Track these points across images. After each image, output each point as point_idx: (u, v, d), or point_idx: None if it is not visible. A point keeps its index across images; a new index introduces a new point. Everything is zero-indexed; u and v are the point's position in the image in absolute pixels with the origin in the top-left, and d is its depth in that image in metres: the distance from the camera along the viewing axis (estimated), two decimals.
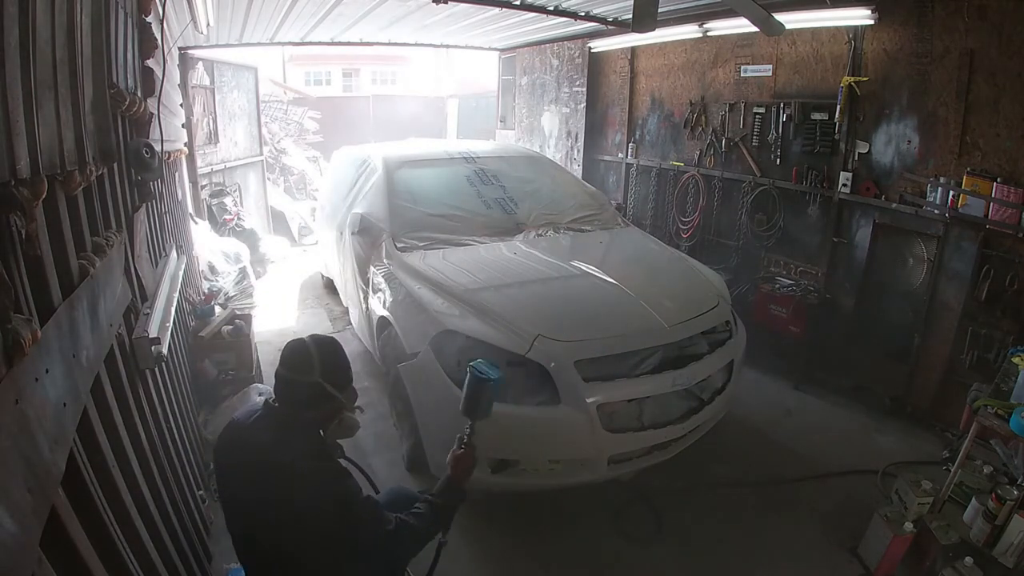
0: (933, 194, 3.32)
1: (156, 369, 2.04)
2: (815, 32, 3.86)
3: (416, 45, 7.16)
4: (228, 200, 6.50)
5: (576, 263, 3.10)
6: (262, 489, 1.41)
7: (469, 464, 1.74)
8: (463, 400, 1.76)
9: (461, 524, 2.52)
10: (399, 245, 3.30)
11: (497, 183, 3.92)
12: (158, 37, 2.74)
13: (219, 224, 6.11)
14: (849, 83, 3.64)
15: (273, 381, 1.56)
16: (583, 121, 6.25)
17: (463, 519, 2.54)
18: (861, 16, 3.50)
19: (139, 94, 2.44)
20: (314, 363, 1.50)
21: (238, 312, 3.90)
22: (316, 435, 1.54)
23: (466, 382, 1.76)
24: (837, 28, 3.72)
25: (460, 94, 14.42)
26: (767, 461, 3.11)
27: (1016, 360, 2.44)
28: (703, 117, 4.84)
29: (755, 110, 4.37)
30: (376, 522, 1.50)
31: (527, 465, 2.48)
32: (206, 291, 4.40)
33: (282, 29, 5.41)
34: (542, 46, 6.76)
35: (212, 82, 6.43)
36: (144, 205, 2.39)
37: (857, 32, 3.63)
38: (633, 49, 5.49)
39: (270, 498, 1.40)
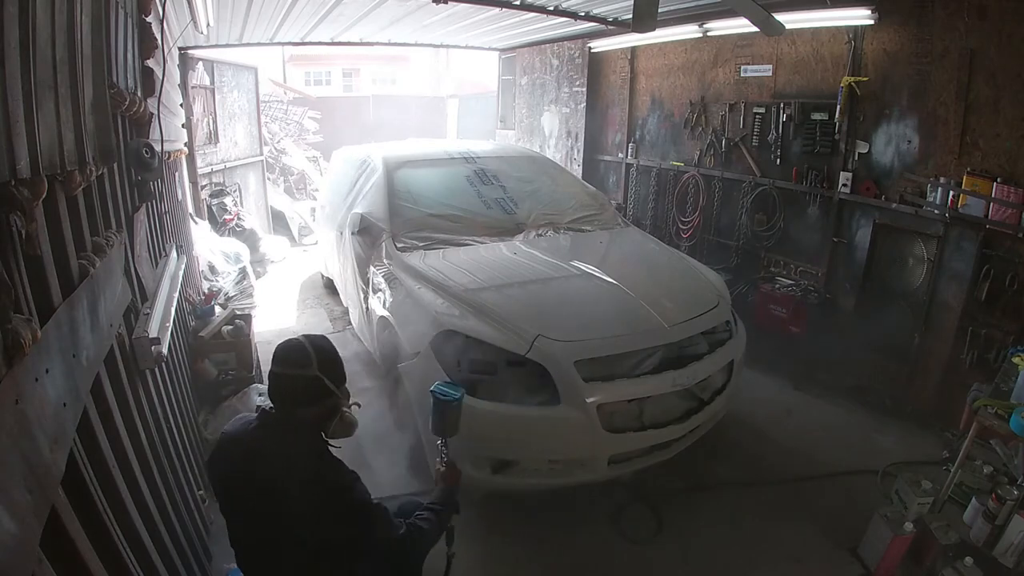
0: (933, 194, 3.32)
1: (156, 369, 2.03)
2: (815, 32, 3.87)
3: (416, 45, 7.16)
4: (228, 200, 6.50)
5: (576, 263, 3.09)
6: (274, 497, 1.39)
7: (456, 477, 1.85)
8: (431, 421, 1.88)
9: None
10: (399, 245, 3.30)
11: (497, 183, 3.92)
12: (158, 37, 2.74)
13: (219, 224, 6.11)
14: (849, 83, 3.64)
15: (267, 385, 1.53)
16: (583, 121, 6.25)
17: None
18: (861, 16, 3.50)
19: (139, 94, 2.44)
20: (311, 357, 1.49)
21: (238, 312, 3.89)
22: (319, 436, 1.53)
23: (431, 406, 1.86)
24: (837, 28, 3.72)
25: (460, 94, 14.43)
26: (767, 461, 3.11)
27: (1016, 360, 2.44)
28: (703, 117, 4.84)
29: (755, 110, 4.37)
30: (389, 526, 1.53)
31: (527, 465, 2.48)
32: (206, 291, 4.40)
33: (282, 29, 5.41)
34: (542, 46, 6.76)
35: (212, 82, 6.43)
36: (144, 205, 2.39)
37: (857, 32, 3.63)
38: (633, 49, 5.50)
39: (285, 506, 1.39)
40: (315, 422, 1.51)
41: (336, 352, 1.59)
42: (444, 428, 1.86)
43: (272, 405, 1.52)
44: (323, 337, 1.60)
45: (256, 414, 1.53)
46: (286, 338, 1.57)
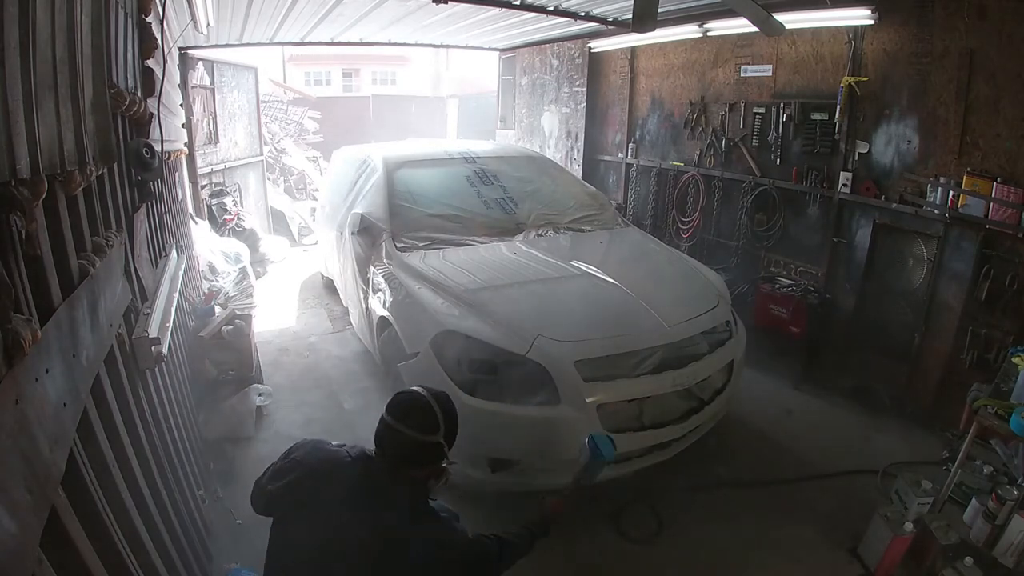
0: (933, 194, 3.32)
1: (156, 369, 2.03)
2: (815, 32, 3.87)
3: (416, 45, 7.16)
4: (228, 200, 6.50)
5: (576, 263, 3.10)
6: (373, 553, 1.33)
7: (561, 510, 1.82)
8: (580, 469, 1.88)
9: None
10: (399, 245, 3.30)
11: (497, 183, 3.92)
12: (158, 37, 2.74)
13: (219, 224, 6.11)
14: (849, 83, 3.64)
15: (380, 431, 1.44)
16: (583, 121, 6.25)
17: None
18: (861, 16, 3.50)
19: (139, 94, 2.43)
20: (440, 424, 1.44)
21: (238, 312, 3.89)
22: (427, 498, 1.48)
23: (587, 461, 1.86)
24: (837, 28, 3.72)
25: (460, 94, 14.43)
26: (767, 461, 3.11)
27: (1016, 360, 2.44)
28: (703, 117, 4.84)
29: (755, 110, 4.37)
30: (489, 558, 1.51)
31: (527, 465, 2.48)
32: (206, 291, 4.40)
33: (282, 29, 5.41)
34: (542, 46, 6.76)
35: (212, 82, 6.43)
36: (144, 205, 2.39)
37: (857, 32, 3.63)
38: (633, 49, 5.50)
39: (383, 562, 1.33)
40: (422, 481, 1.46)
41: (456, 413, 1.52)
42: (586, 476, 1.89)
43: (377, 451, 1.45)
44: (448, 397, 1.53)
45: (350, 454, 1.44)
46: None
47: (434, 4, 4.13)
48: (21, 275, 0.99)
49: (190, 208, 5.17)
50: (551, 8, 4.71)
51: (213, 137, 6.53)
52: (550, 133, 6.86)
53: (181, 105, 4.97)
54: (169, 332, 2.17)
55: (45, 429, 0.95)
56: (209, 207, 6.18)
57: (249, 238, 6.28)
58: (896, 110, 3.50)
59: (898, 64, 3.46)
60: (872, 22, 3.49)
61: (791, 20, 3.69)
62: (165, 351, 2.00)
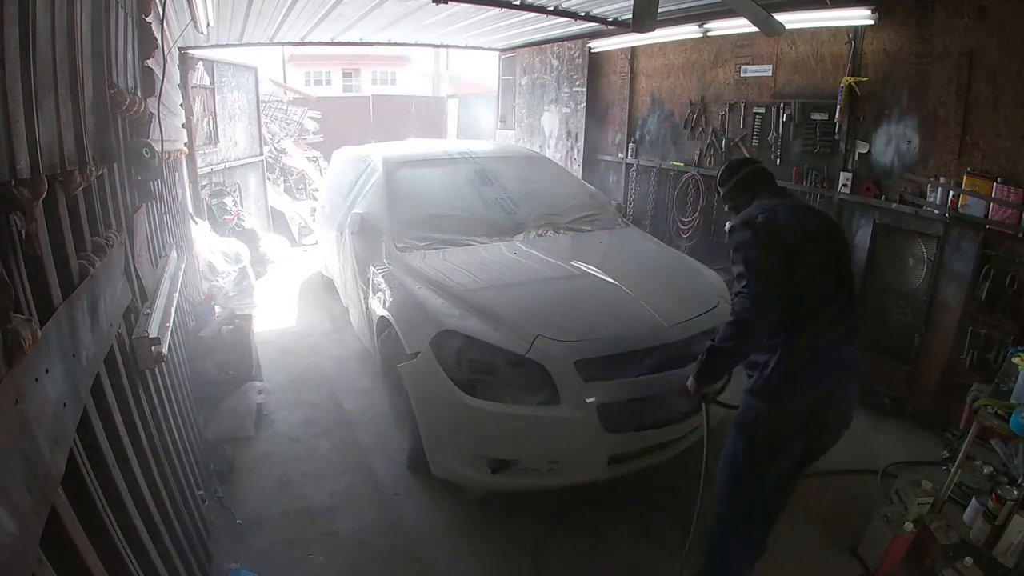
0: (933, 194, 3.32)
1: (156, 369, 2.03)
2: (815, 32, 3.87)
3: (416, 45, 7.17)
4: (228, 200, 6.50)
5: (576, 263, 3.10)
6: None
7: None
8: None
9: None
10: (399, 245, 3.30)
11: (497, 183, 3.92)
12: (158, 37, 2.75)
13: (219, 224, 6.11)
14: (849, 83, 3.64)
15: (757, 177, 2.10)
16: (583, 121, 6.25)
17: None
18: (861, 16, 3.50)
19: (139, 94, 2.44)
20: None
21: (238, 312, 3.90)
22: None
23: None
24: (837, 28, 3.72)
25: (460, 94, 14.42)
26: None
27: (1016, 360, 2.44)
28: (703, 117, 4.84)
29: (755, 110, 4.37)
30: None
31: (527, 465, 2.47)
32: (206, 291, 4.40)
33: (282, 29, 5.42)
34: (542, 46, 6.76)
35: (212, 82, 6.42)
36: (144, 205, 2.39)
37: (857, 32, 3.63)
38: (633, 49, 5.50)
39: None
40: None
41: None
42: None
43: (772, 187, 2.09)
44: None
45: (766, 205, 1.95)
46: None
47: (434, 4, 4.13)
48: (21, 275, 0.99)
49: (190, 208, 5.17)
50: (551, 8, 4.71)
51: (213, 137, 6.53)
52: (550, 133, 6.86)
53: (181, 105, 4.96)
54: (169, 332, 2.17)
55: (45, 429, 0.95)
56: (209, 207, 6.18)
57: (249, 238, 6.28)
58: (896, 110, 3.50)
59: (898, 64, 3.46)
60: (872, 22, 3.49)
61: (791, 20, 3.69)
62: (165, 351, 2.00)
